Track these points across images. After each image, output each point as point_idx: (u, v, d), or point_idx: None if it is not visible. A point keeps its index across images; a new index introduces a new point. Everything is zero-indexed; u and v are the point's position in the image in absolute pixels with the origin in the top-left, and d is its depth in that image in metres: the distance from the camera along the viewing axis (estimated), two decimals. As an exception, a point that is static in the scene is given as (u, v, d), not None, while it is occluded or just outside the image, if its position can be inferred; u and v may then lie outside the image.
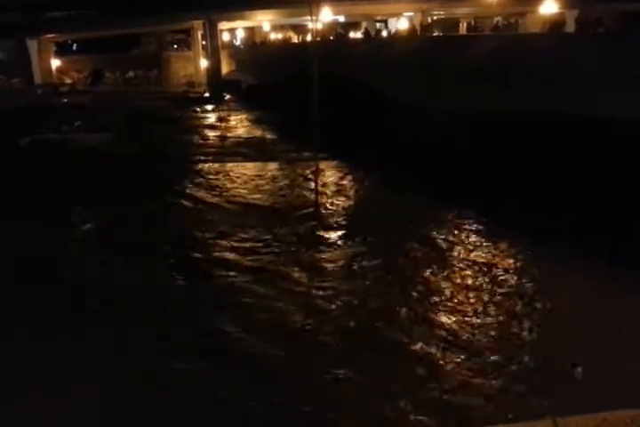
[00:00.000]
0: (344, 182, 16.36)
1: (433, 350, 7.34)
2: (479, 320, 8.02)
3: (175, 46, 63.10)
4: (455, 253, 10.58)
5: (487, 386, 6.57)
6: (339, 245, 11.20)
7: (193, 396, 6.47)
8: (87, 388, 6.45)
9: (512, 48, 16.18)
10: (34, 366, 7.02)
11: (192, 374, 6.98)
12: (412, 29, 32.97)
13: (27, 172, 17.73)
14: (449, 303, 8.60)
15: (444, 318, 8.14)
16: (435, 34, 30.57)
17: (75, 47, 65.75)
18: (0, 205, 13.72)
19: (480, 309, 8.31)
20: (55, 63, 58.34)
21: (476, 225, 12.00)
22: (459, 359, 7.13)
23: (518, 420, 2.45)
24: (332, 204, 14.07)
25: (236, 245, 11.36)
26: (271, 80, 32.96)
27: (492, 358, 7.11)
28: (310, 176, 16.11)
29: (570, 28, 21.61)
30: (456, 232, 11.61)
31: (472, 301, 8.64)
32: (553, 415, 2.58)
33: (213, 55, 44.53)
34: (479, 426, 5.70)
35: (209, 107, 37.49)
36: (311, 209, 13.29)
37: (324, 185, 15.54)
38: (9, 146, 22.02)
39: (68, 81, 55.94)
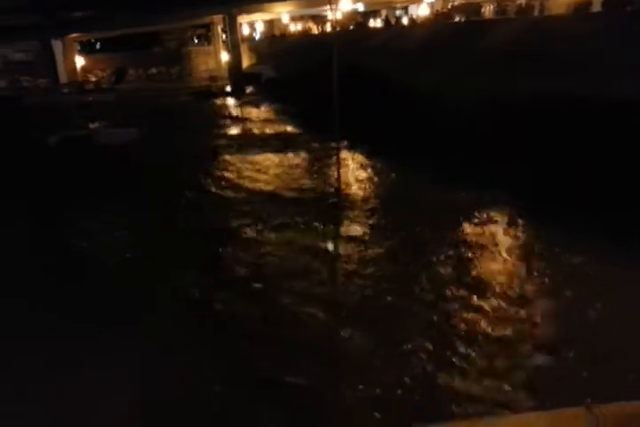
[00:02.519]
0: (366, 171, 16.25)
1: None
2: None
3: (196, 41, 63.46)
4: (469, 239, 10.46)
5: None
6: (364, 234, 11.16)
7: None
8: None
9: (534, 31, 15.79)
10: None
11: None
12: (433, 15, 32.47)
13: (59, 169, 18.16)
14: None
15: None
16: (456, 19, 29.97)
17: (98, 46, 66.63)
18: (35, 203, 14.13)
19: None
20: (79, 62, 59.18)
21: (493, 211, 11.85)
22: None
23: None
24: (354, 193, 14.01)
25: (261, 229, 11.57)
26: (292, 72, 32.90)
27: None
28: (332, 165, 16.10)
29: (596, 7, 20.94)
30: (476, 221, 11.44)
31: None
32: (587, 402, 2.50)
33: (234, 49, 44.59)
34: (508, 413, 5.68)
35: (231, 100, 37.66)
36: (334, 199, 13.27)
37: (347, 175, 15.48)
38: (39, 144, 22.61)
39: (93, 79, 56.76)
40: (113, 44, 60.25)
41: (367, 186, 14.80)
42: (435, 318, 7.86)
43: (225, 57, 48.75)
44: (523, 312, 7.84)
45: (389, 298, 8.45)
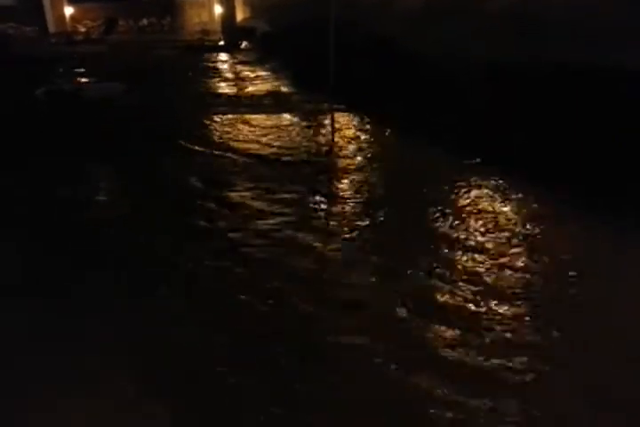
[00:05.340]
0: (359, 134, 16.05)
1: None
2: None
3: (189, -8, 61.07)
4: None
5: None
6: (354, 195, 11.12)
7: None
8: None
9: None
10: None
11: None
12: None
13: (44, 122, 17.85)
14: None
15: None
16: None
17: (87, -6, 64.04)
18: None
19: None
20: (68, 11, 57.08)
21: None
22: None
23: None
24: (346, 155, 13.89)
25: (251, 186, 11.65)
26: (287, 27, 31.85)
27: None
28: (325, 127, 15.90)
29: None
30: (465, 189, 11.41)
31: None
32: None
33: (227, 1, 43.05)
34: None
35: (223, 55, 36.63)
36: (324, 159, 13.17)
37: (339, 137, 15.31)
38: (25, 96, 22.07)
39: (82, 30, 54.96)
40: (103, -8, 57.91)
41: (360, 149, 14.63)
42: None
43: (218, 9, 47.12)
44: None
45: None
